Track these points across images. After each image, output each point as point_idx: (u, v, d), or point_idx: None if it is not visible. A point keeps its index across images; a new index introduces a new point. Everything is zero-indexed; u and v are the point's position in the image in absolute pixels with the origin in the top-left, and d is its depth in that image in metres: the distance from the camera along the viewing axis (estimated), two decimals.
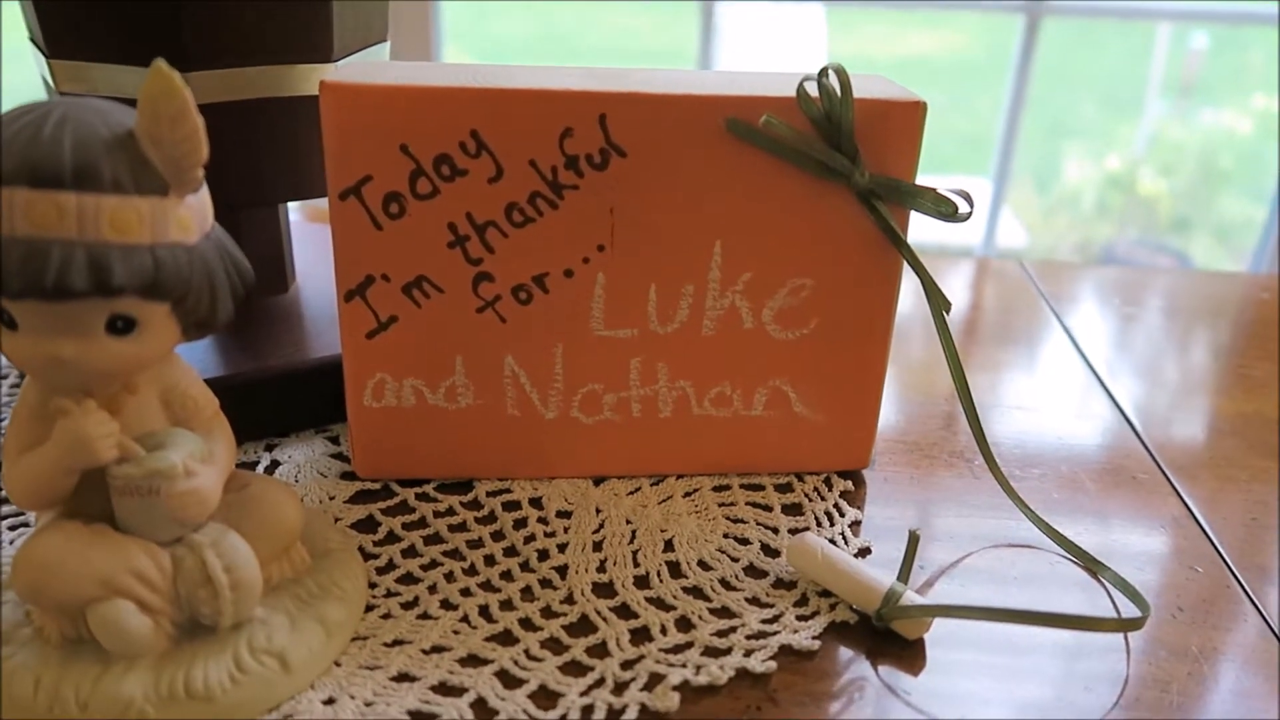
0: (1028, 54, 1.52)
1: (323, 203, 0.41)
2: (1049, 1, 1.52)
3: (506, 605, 0.29)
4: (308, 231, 0.47)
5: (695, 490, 0.35)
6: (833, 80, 0.30)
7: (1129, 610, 0.30)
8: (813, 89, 0.30)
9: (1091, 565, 0.32)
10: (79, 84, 0.33)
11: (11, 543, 0.30)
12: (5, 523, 0.31)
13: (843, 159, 0.30)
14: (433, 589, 0.29)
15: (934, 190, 0.31)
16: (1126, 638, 0.29)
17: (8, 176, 0.21)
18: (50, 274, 0.21)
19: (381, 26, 0.38)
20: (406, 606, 0.29)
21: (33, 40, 0.35)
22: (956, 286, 0.57)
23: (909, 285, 0.53)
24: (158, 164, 0.22)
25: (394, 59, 0.39)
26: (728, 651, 0.28)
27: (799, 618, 0.29)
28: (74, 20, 0.32)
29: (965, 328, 0.51)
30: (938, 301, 0.32)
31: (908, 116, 0.31)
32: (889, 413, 0.41)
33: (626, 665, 0.27)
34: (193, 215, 0.23)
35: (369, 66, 0.31)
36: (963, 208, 0.31)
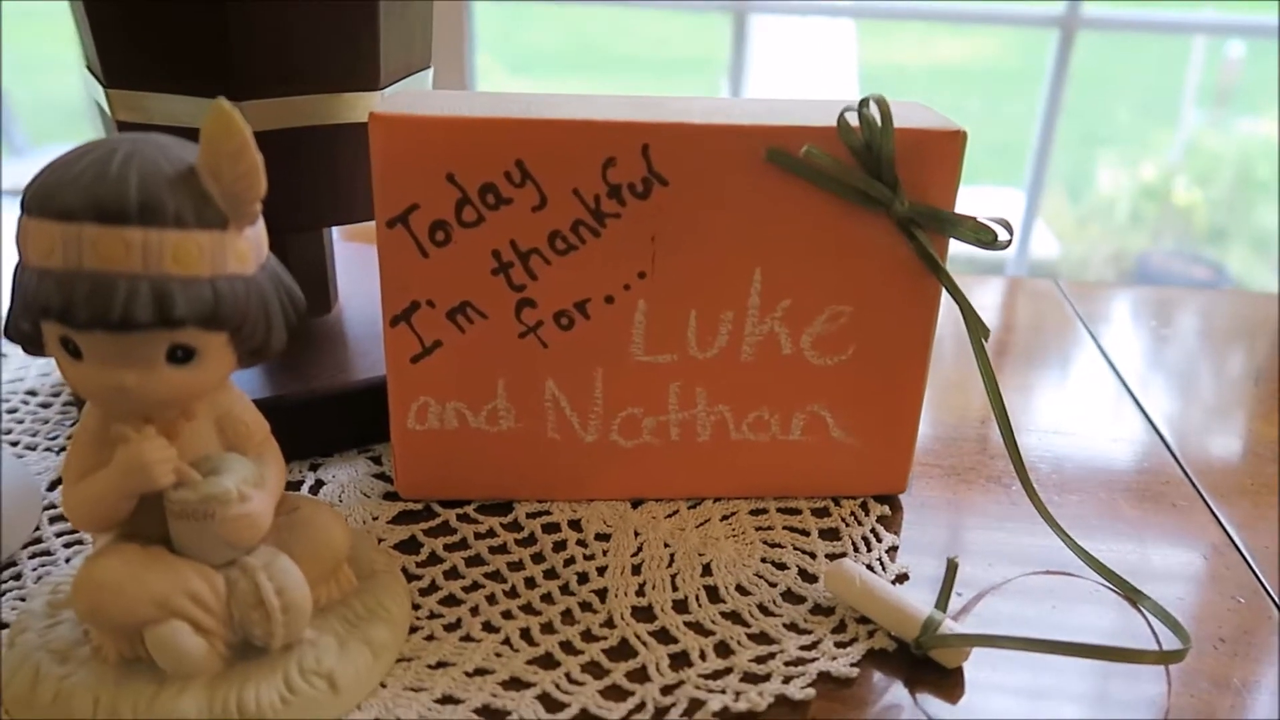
0: (1062, 68, 1.51)
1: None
2: (1083, 6, 1.51)
3: (547, 628, 0.29)
4: (348, 251, 0.48)
5: (733, 514, 0.35)
6: (873, 110, 0.30)
7: (1168, 638, 0.30)
8: (853, 119, 0.30)
9: (1131, 594, 0.32)
10: (135, 113, 0.34)
11: (68, 560, 0.31)
12: (61, 540, 0.32)
13: (883, 188, 0.31)
14: (475, 611, 0.30)
15: (974, 219, 0.31)
16: (1168, 669, 0.29)
17: (77, 212, 0.22)
18: (117, 307, 0.22)
19: (425, 54, 0.39)
20: (449, 628, 0.29)
21: (89, 69, 0.36)
22: (990, 305, 0.57)
23: (945, 306, 0.53)
24: (217, 198, 0.23)
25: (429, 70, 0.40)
26: (766, 678, 0.28)
27: (837, 644, 0.29)
28: (131, 52, 0.33)
29: (998, 348, 0.51)
30: (976, 329, 0.32)
31: (948, 145, 0.31)
32: (926, 436, 0.41)
33: (666, 690, 0.27)
34: (250, 247, 0.24)
35: (416, 96, 0.31)
36: (1002, 235, 0.31)
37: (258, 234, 0.25)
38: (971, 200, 0.31)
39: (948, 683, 0.28)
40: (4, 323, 0.24)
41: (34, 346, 0.24)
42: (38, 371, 0.43)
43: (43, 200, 0.22)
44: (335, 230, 0.56)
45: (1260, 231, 2.75)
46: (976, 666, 0.29)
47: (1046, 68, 1.53)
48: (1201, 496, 0.38)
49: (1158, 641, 0.30)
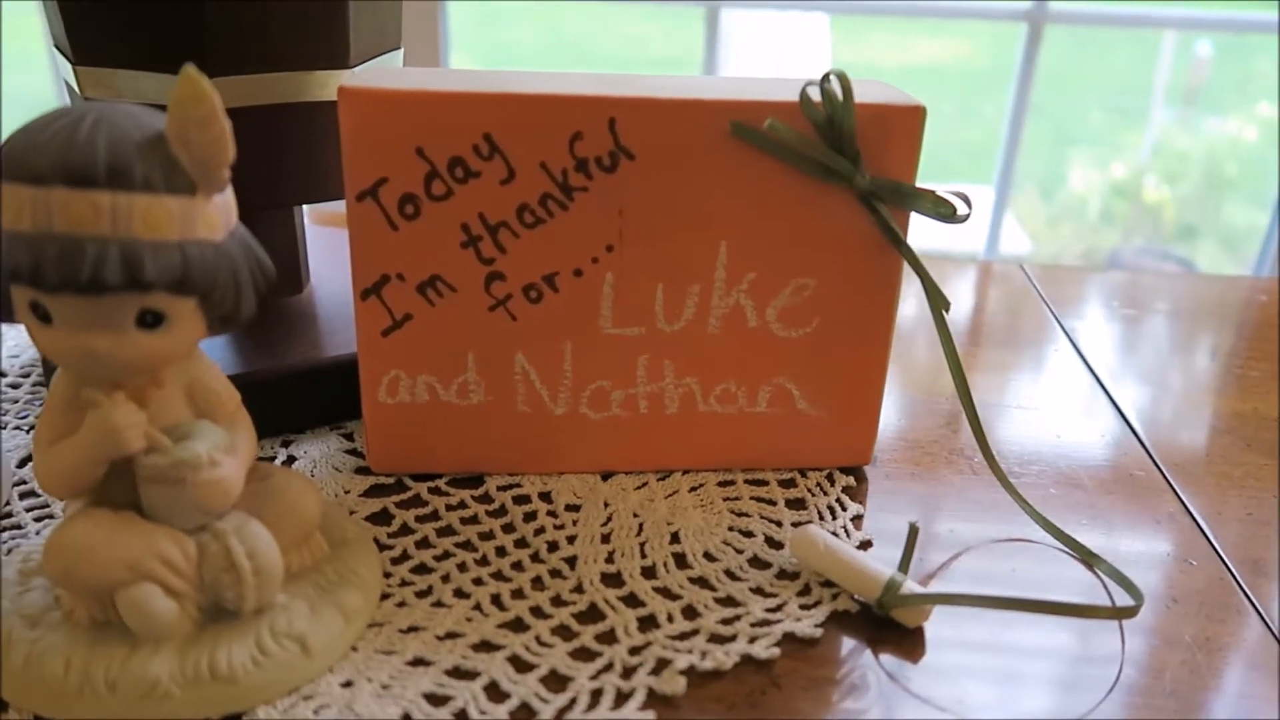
0: (1030, 62, 1.53)
1: (330, 206, 0.42)
2: (1051, 4, 1.53)
3: (518, 594, 0.30)
4: (317, 235, 0.48)
5: (700, 485, 0.35)
6: (835, 85, 0.31)
7: (1124, 599, 0.31)
8: (815, 94, 0.31)
9: (1088, 558, 0.33)
10: (103, 89, 0.34)
11: (38, 533, 0.31)
12: (31, 514, 0.32)
13: (844, 162, 0.31)
14: (446, 578, 0.30)
15: (933, 192, 0.32)
16: (1122, 626, 0.30)
17: (46, 176, 0.22)
18: (86, 269, 0.22)
19: (395, 34, 0.39)
20: (421, 595, 0.30)
21: (57, 47, 0.36)
22: (959, 291, 0.57)
23: (913, 290, 0.54)
24: (186, 165, 0.23)
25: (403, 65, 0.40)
26: (732, 639, 0.28)
27: (802, 606, 0.30)
28: (100, 28, 0.33)
29: (968, 331, 0.52)
30: (937, 300, 0.33)
31: (908, 120, 0.31)
32: (893, 414, 0.42)
33: (634, 651, 0.28)
34: (219, 214, 0.24)
35: (385, 72, 0.32)
36: (961, 209, 0.32)
37: (226, 201, 0.25)
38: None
39: (909, 641, 0.29)
40: None
41: (4, 313, 0.24)
42: (7, 353, 0.42)
43: (12, 164, 0.22)
44: (306, 214, 0.56)
45: (1228, 228, 2.80)
46: (937, 626, 0.30)
47: (1015, 63, 1.55)
48: (1158, 467, 0.39)
49: (1113, 602, 0.31)
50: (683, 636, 0.28)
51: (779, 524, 0.34)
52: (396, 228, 0.31)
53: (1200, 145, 3.03)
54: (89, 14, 0.33)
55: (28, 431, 0.37)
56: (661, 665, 0.27)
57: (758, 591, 0.30)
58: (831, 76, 0.31)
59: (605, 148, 0.31)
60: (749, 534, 0.33)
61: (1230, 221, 2.83)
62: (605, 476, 0.36)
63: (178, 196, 0.23)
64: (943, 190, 0.32)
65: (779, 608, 0.30)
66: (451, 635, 0.28)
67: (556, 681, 0.27)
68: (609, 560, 0.31)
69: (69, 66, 0.35)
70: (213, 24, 0.33)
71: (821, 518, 0.34)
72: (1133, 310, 0.55)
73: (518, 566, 0.31)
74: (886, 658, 0.28)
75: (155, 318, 0.24)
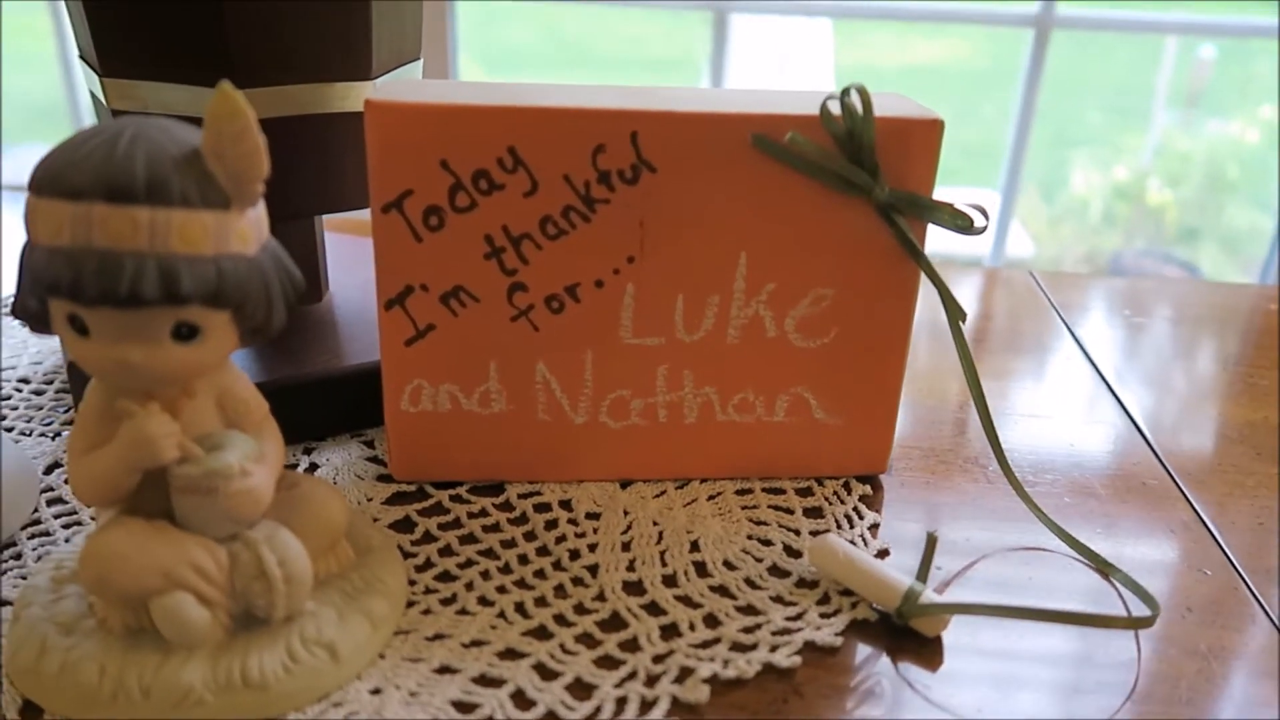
0: (1036, 67, 1.53)
1: (343, 214, 0.42)
2: (1058, 6, 1.53)
3: (541, 602, 0.30)
4: (334, 242, 0.48)
5: (719, 494, 0.36)
6: (855, 99, 0.31)
7: (1139, 608, 0.31)
8: (835, 107, 0.31)
9: (1103, 567, 0.33)
10: (129, 101, 0.34)
11: (67, 540, 0.32)
12: (59, 521, 0.33)
13: (864, 174, 0.32)
14: (470, 586, 0.31)
15: (951, 205, 0.32)
16: (1137, 636, 0.30)
17: (86, 191, 0.22)
18: (125, 284, 0.22)
19: (415, 45, 0.40)
20: (445, 603, 0.30)
21: (83, 58, 0.37)
22: (966, 296, 0.58)
23: (920, 296, 0.55)
24: (221, 179, 0.24)
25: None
26: (754, 647, 0.29)
27: (822, 615, 0.30)
28: (126, 41, 0.34)
29: (975, 336, 0.52)
30: (954, 311, 0.33)
31: (926, 134, 0.32)
32: (901, 418, 0.42)
33: (657, 659, 0.28)
34: (252, 227, 0.25)
35: (408, 85, 0.32)
36: (978, 221, 0.32)
37: (259, 215, 0.25)
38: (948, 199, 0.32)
39: (928, 650, 0.29)
40: (11, 301, 0.25)
41: (41, 325, 0.25)
42: (30, 360, 0.43)
43: (52, 180, 0.23)
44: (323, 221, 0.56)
45: (1230, 231, 2.80)
46: (955, 633, 0.30)
47: (1021, 67, 1.55)
48: (1171, 475, 0.39)
49: (1128, 611, 0.31)
50: (705, 645, 0.29)
51: (797, 532, 0.34)
52: (420, 239, 0.32)
53: (1202, 147, 3.03)
54: (115, 27, 0.33)
55: (53, 439, 0.37)
56: (685, 674, 0.28)
57: (778, 600, 0.31)
58: (852, 90, 0.31)
59: (627, 160, 0.31)
60: (768, 542, 0.33)
61: (1232, 224, 2.84)
62: (624, 485, 0.36)
63: (213, 211, 0.24)
64: (960, 202, 0.32)
65: (799, 616, 0.30)
66: (477, 643, 0.28)
67: (581, 689, 0.27)
68: (630, 568, 0.32)
69: (96, 78, 0.35)
70: (235, 36, 0.33)
71: (839, 526, 0.35)
72: (1143, 318, 0.55)
73: (540, 574, 0.31)
74: (905, 666, 0.29)
75: (190, 330, 0.24)
